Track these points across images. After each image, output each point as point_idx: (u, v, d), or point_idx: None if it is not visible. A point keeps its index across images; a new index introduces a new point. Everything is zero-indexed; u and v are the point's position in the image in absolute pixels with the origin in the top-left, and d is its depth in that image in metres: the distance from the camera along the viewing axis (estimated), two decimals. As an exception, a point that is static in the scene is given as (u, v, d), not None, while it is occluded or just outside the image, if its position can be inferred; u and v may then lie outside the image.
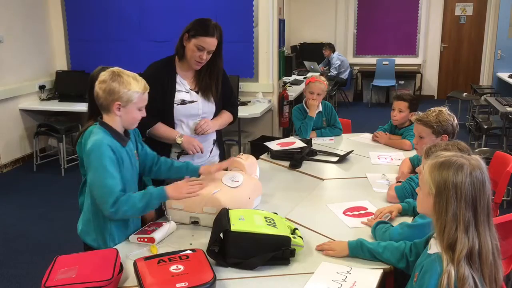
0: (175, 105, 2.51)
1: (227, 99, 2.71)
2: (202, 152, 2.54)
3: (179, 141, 2.49)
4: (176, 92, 2.52)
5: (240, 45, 5.42)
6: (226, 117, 2.71)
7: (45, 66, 6.01)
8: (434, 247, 1.47)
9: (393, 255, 1.75)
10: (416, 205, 1.59)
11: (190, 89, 2.56)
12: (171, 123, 2.53)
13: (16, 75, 5.60)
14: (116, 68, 1.93)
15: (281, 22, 5.55)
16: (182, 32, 2.47)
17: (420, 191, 1.52)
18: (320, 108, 3.59)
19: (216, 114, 2.65)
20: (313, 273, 1.72)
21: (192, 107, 2.55)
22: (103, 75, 1.90)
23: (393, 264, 1.75)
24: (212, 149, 2.71)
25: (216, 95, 2.60)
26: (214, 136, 2.71)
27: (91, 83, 2.12)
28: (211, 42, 2.42)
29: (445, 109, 2.47)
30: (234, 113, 2.77)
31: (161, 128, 2.51)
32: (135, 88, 1.89)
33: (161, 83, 2.49)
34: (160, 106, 2.47)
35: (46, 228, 3.96)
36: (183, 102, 2.53)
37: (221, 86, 2.61)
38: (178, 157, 2.57)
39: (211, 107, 2.61)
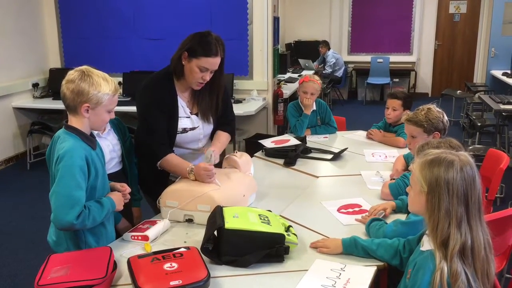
0: (177, 133, 2.35)
1: (224, 117, 2.52)
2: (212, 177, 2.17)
3: (190, 175, 2.19)
4: (179, 119, 2.35)
5: (234, 43, 5.40)
6: (225, 140, 2.50)
7: (38, 64, 5.98)
8: (427, 244, 1.48)
9: (387, 252, 1.76)
10: (408, 204, 1.59)
11: (190, 113, 2.39)
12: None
13: (9, 73, 5.57)
14: (85, 67, 1.82)
15: (276, 20, 5.54)
16: (179, 49, 2.27)
17: (411, 190, 1.53)
18: (314, 107, 3.59)
19: (214, 130, 2.51)
20: (307, 270, 1.72)
21: (193, 134, 2.40)
22: (71, 74, 1.80)
23: (387, 261, 1.76)
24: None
25: (216, 114, 2.45)
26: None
27: None
28: (215, 62, 2.24)
29: (433, 106, 2.47)
30: (232, 132, 2.59)
31: (173, 161, 2.27)
32: (105, 89, 1.79)
33: (166, 107, 2.30)
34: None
35: (40, 227, 3.93)
36: (184, 130, 2.37)
37: (221, 103, 2.44)
38: None
39: (210, 128, 2.48)
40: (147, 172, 2.42)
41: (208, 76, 2.27)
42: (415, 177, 1.48)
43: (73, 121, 1.83)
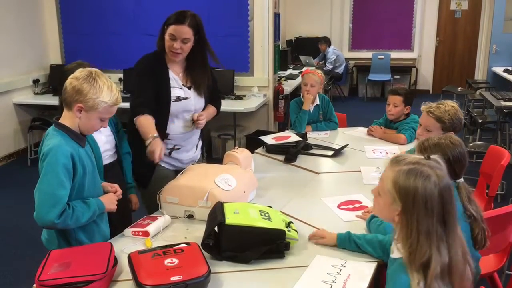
0: (171, 102, 2.47)
1: (211, 93, 2.66)
2: (156, 162, 2.28)
3: (148, 141, 2.28)
4: (171, 89, 2.48)
5: (235, 39, 5.40)
6: (212, 111, 2.66)
7: (39, 60, 5.97)
8: (396, 252, 1.39)
9: (374, 249, 1.76)
10: (374, 209, 1.48)
11: (183, 85, 2.52)
12: (165, 119, 2.47)
13: (9, 69, 5.56)
14: (96, 70, 1.80)
15: (277, 16, 5.53)
16: (162, 25, 2.45)
17: (380, 198, 1.39)
18: (318, 101, 3.58)
19: (204, 107, 2.63)
20: (308, 266, 1.72)
21: (186, 103, 2.51)
22: (80, 72, 1.79)
23: (378, 257, 1.76)
24: (198, 143, 2.70)
25: (207, 89, 2.59)
26: (199, 130, 2.69)
27: (65, 78, 2.07)
28: (181, 30, 2.36)
29: (457, 105, 2.39)
30: (218, 107, 2.73)
31: (144, 121, 2.36)
32: (105, 98, 1.77)
33: (155, 77, 2.45)
34: (156, 101, 2.42)
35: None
36: (178, 98, 2.49)
37: (210, 80, 2.59)
38: (170, 153, 2.55)
39: (202, 102, 2.60)
40: (135, 154, 2.50)
41: (177, 44, 2.38)
42: (386, 188, 1.34)
43: (66, 117, 1.82)
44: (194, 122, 2.54)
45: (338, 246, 1.83)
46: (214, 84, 2.67)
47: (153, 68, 2.46)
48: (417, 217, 1.27)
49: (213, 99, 2.68)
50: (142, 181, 2.54)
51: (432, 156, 1.35)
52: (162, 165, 2.52)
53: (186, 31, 2.37)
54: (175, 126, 2.52)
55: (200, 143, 2.75)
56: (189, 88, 2.54)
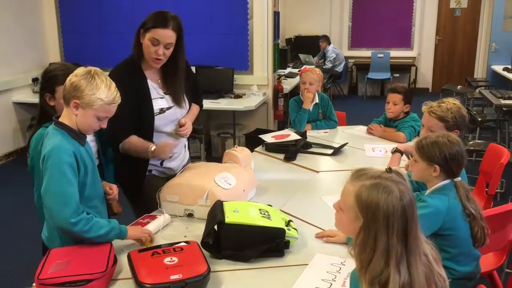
0: (155, 115, 2.30)
1: (192, 91, 2.52)
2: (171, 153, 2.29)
3: (150, 155, 2.24)
4: (153, 101, 2.30)
5: (234, 38, 5.40)
6: (195, 111, 2.54)
7: (38, 59, 5.97)
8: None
9: None
10: (335, 223, 1.40)
11: (164, 93, 2.36)
12: (149, 135, 2.31)
13: (8, 68, 5.56)
14: (96, 69, 1.80)
15: (276, 15, 5.53)
16: (137, 28, 2.27)
17: (342, 214, 1.33)
18: (317, 100, 3.58)
19: (188, 108, 2.50)
20: (307, 264, 1.72)
21: (171, 113, 2.36)
22: (80, 69, 1.79)
23: None
24: (185, 144, 2.62)
25: (186, 94, 2.43)
26: None
27: (42, 81, 2.07)
28: (165, 34, 2.19)
29: (458, 102, 2.35)
30: (200, 104, 2.60)
31: (134, 141, 2.25)
32: (101, 95, 1.74)
33: (134, 92, 2.23)
34: (138, 118, 2.26)
35: (40, 221, 3.94)
36: (161, 110, 2.32)
37: (188, 83, 2.44)
38: (161, 163, 2.42)
39: (186, 106, 2.45)
40: (123, 165, 2.36)
41: (161, 50, 2.21)
42: (349, 204, 1.28)
43: (65, 115, 1.82)
44: (180, 128, 2.39)
45: (346, 243, 1.82)
46: (194, 80, 2.54)
47: (130, 83, 2.21)
48: (375, 233, 1.20)
49: (195, 96, 2.53)
50: (134, 190, 2.38)
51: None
52: (154, 173, 2.42)
53: (170, 35, 2.21)
54: (164, 138, 2.36)
55: (187, 142, 2.65)
56: (170, 95, 2.38)
